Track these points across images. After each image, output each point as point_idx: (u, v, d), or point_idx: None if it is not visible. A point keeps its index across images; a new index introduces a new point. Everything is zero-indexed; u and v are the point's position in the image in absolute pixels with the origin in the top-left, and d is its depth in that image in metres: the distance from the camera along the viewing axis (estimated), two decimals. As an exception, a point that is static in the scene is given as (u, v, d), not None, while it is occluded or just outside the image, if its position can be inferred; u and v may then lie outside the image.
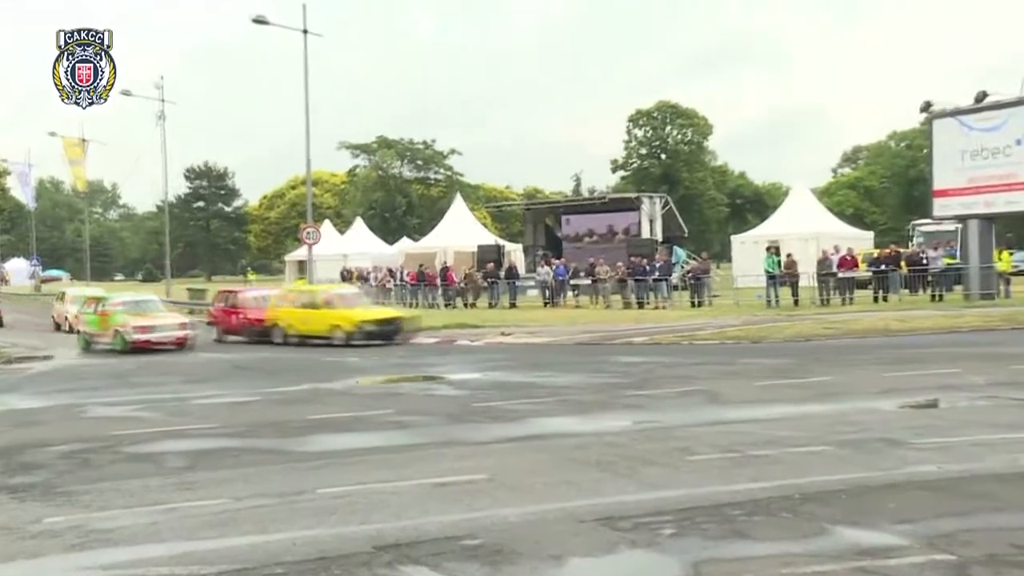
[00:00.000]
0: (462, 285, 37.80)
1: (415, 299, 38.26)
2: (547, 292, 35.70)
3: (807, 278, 31.27)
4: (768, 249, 32.42)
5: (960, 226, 31.13)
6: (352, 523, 7.08)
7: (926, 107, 30.85)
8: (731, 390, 13.70)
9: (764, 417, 11.29)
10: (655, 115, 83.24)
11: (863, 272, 31.67)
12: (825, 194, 71.77)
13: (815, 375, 14.76)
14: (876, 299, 29.95)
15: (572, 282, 35.82)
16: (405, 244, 55.57)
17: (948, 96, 29.98)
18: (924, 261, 31.30)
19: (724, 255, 45.88)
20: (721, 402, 12.73)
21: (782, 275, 30.61)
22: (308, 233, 33.61)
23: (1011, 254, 33.77)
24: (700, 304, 31.36)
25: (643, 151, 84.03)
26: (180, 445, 10.81)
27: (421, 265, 40.42)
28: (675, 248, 39.37)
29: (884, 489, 7.56)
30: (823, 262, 31.19)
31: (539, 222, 45.65)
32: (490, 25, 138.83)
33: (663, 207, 41.58)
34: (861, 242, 40.36)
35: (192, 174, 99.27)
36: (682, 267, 36.25)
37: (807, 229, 38.72)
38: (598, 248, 39.89)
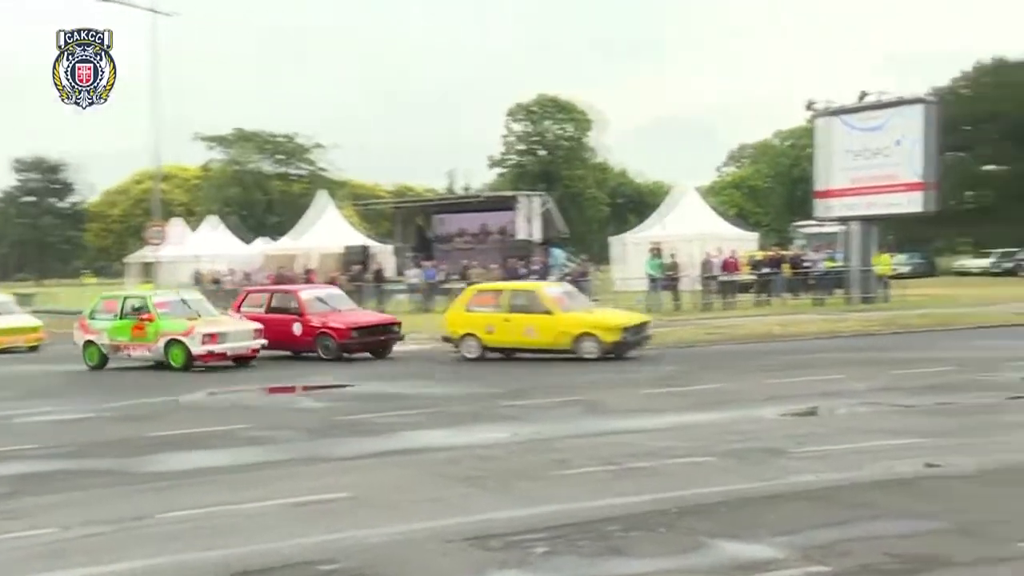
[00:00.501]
0: (326, 289, 37.24)
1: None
2: (418, 296, 35.57)
3: (690, 281, 32.01)
4: (651, 251, 33.09)
5: (842, 228, 32.35)
6: (196, 549, 6.88)
7: (810, 105, 32.03)
8: (612, 399, 13.90)
9: (645, 427, 11.49)
10: (534, 109, 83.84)
11: (746, 275, 32.64)
12: (710, 193, 73.68)
13: (698, 383, 15.10)
14: (758, 302, 30.90)
15: (445, 285, 35.78)
16: (265, 244, 54.53)
17: (835, 94, 31.22)
18: (806, 264, 32.48)
19: (605, 257, 46.54)
20: (601, 412, 12.90)
21: (665, 278, 31.26)
22: (154, 232, 32.63)
23: (891, 257, 35.37)
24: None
25: (521, 147, 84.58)
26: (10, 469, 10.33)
27: (281, 267, 39.73)
28: (554, 249, 39.74)
29: (764, 500, 7.78)
30: (706, 264, 32.02)
31: (410, 222, 45.47)
32: (365, 14, 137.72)
33: (542, 206, 41.94)
34: (746, 243, 41.50)
35: (21, 166, 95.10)
36: (561, 269, 36.63)
37: (691, 230, 39.57)
38: (472, 249, 39.97)
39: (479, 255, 37.91)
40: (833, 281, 31.85)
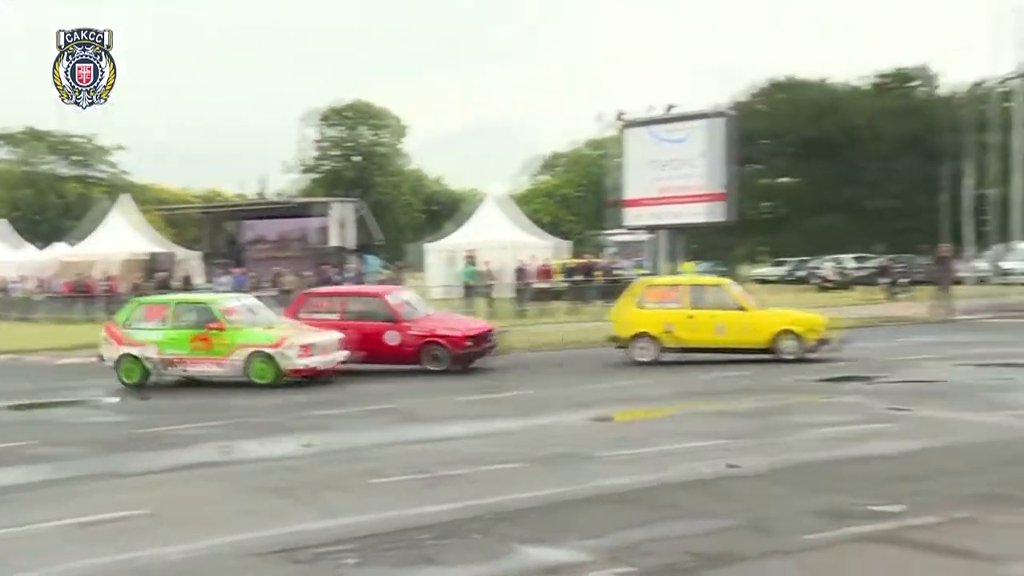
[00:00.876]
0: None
1: (71, 313, 35.77)
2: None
3: (504, 288, 32.40)
4: (466, 258, 33.29)
5: (650, 236, 33.42)
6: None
7: (619, 116, 32.95)
8: (426, 407, 13.90)
9: (460, 434, 11.54)
10: (347, 114, 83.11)
11: (558, 282, 33.31)
12: (523, 201, 74.78)
13: (513, 389, 15.27)
14: (571, 310, 31.55)
15: (255, 293, 34.94)
16: (60, 250, 51.86)
17: (644, 106, 32.11)
18: (617, 272, 33.40)
19: (420, 264, 46.55)
20: (415, 420, 12.88)
21: (479, 285, 31.52)
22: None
23: (694, 264, 36.82)
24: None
25: (334, 152, 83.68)
26: None
27: (79, 274, 37.91)
28: (368, 256, 39.49)
29: (575, 504, 7.94)
30: (520, 272, 32.49)
31: (218, 228, 44.26)
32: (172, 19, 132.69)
33: (356, 212, 41.58)
34: (559, 251, 42.37)
35: None
36: (375, 276, 36.43)
37: (505, 237, 40.08)
38: (283, 256, 39.24)
39: (291, 262, 37.25)
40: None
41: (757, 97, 67.40)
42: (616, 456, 9.85)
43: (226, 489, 8.89)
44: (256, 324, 17.43)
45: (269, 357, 16.50)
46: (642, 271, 33.70)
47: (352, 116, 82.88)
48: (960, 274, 30.75)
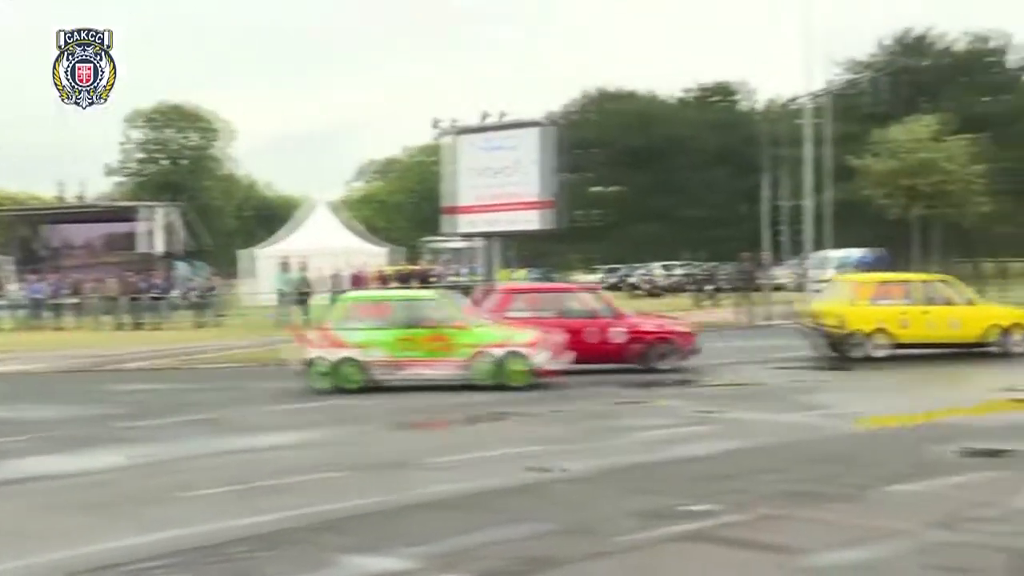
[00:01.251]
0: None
1: None
2: (22, 313, 32.78)
3: (321, 296, 31.93)
4: (281, 265, 32.68)
5: (471, 244, 33.67)
6: None
7: (436, 124, 33.08)
8: (240, 417, 13.58)
9: (277, 444, 11.31)
10: (156, 116, 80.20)
11: (377, 290, 33.15)
12: (356, 207, 74.11)
13: (330, 398, 15.06)
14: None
15: (55, 301, 33.24)
16: None
17: (465, 113, 32.49)
18: (433, 279, 33.54)
19: (235, 271, 45.42)
20: (229, 430, 12.55)
21: (297, 293, 30.98)
22: None
23: (511, 272, 37.32)
24: (205, 325, 30.79)
25: (160, 156, 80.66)
26: None
27: None
28: (180, 263, 38.26)
29: (399, 512, 7.91)
30: (336, 279, 32.17)
31: (15, 233, 41.97)
32: None
33: (168, 217, 40.24)
34: (376, 258, 42.16)
35: None
36: (185, 284, 35.30)
37: (327, 244, 39.58)
38: (88, 262, 37.57)
39: (96, 268, 35.67)
40: (461, 295, 33.07)
41: (586, 107, 69.00)
42: (443, 463, 9.87)
43: (28, 507, 8.45)
44: (485, 322, 16.37)
45: (522, 357, 15.51)
46: (476, 278, 33.92)
47: (177, 118, 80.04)
48: (770, 280, 32.25)
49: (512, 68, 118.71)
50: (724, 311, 29.22)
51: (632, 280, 46.62)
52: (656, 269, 49.75)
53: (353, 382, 15.50)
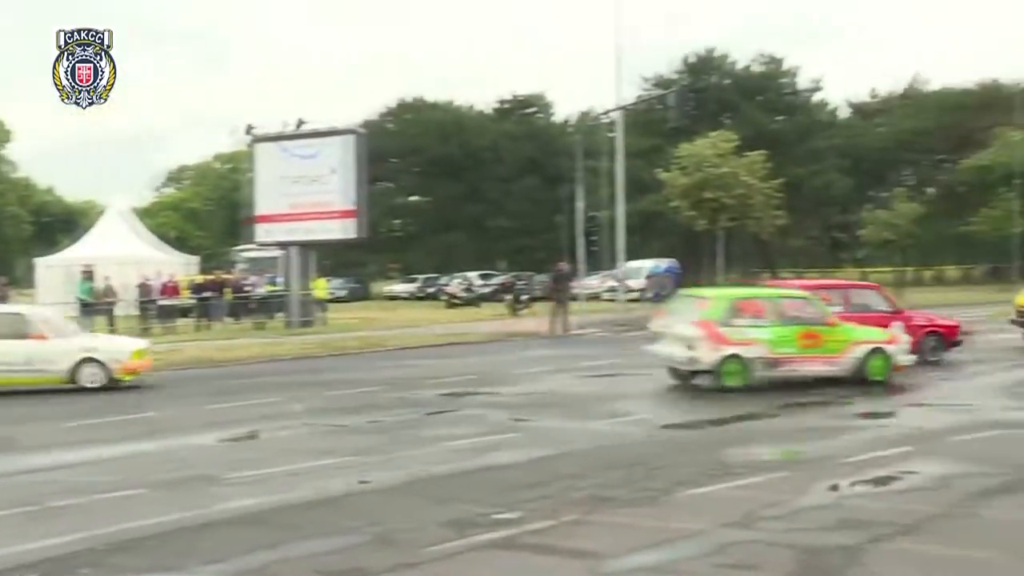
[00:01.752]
0: None
1: None
2: None
3: (126, 306, 30.70)
4: (83, 274, 31.19)
5: (283, 252, 33.05)
6: None
7: (248, 130, 32.34)
8: (31, 434, 12.86)
9: (73, 461, 10.77)
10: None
11: (186, 299, 32.08)
12: (147, 215, 71.38)
13: (135, 411, 14.48)
14: (199, 327, 30.49)
15: None
16: None
17: (275, 120, 31.86)
18: (247, 288, 32.71)
19: (28, 280, 43.04)
20: (18, 449, 11.86)
21: (98, 303, 29.64)
22: None
23: (328, 281, 36.84)
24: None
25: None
26: None
27: None
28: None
29: (198, 529, 7.67)
30: (144, 288, 30.97)
31: None
32: None
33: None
34: (187, 267, 40.83)
35: None
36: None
37: (126, 252, 38.01)
38: None
39: None
40: (274, 305, 32.43)
41: (395, 116, 68.81)
42: (243, 477, 9.63)
43: None
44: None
45: (884, 353, 15.86)
46: (274, 288, 33.25)
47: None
48: (575, 291, 32.96)
49: (321, 76, 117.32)
50: (539, 320, 29.68)
51: (449, 289, 46.81)
52: (474, 278, 50.11)
53: (741, 379, 15.32)
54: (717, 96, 65.90)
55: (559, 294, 29.35)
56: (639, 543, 7.19)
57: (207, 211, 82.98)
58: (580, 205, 36.63)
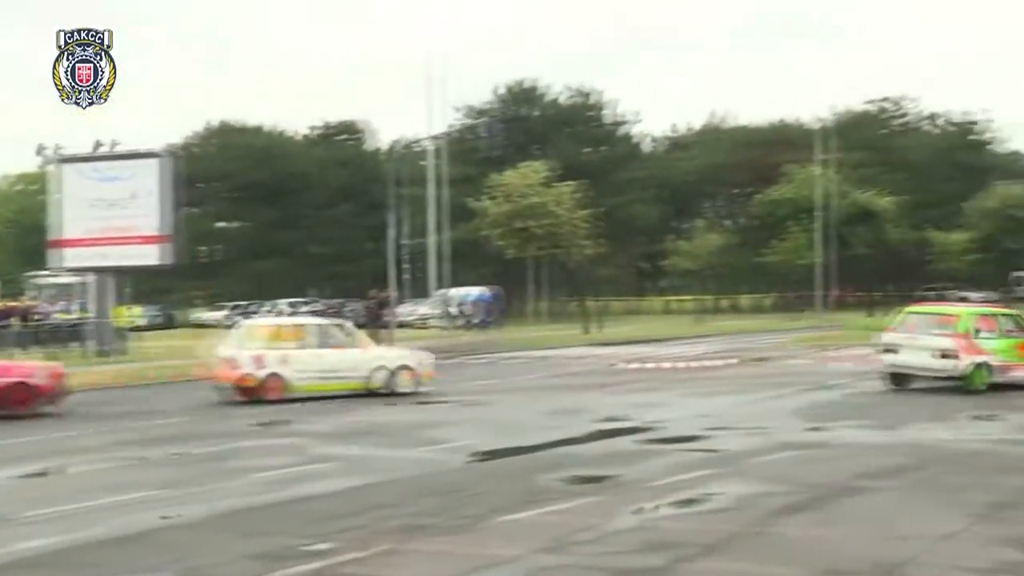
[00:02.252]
0: None
1: None
2: None
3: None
4: None
5: (79, 279, 31.61)
6: None
7: (40, 151, 30.87)
8: None
9: None
10: None
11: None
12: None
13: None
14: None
15: None
16: None
17: (93, 142, 30.43)
18: (38, 316, 31.09)
19: None
20: None
21: None
22: None
23: (127, 308, 35.39)
24: None
25: None
26: None
27: None
28: None
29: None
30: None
31: None
32: None
33: None
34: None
35: None
36: None
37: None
38: None
39: None
40: (68, 334, 30.88)
41: (200, 140, 67.07)
42: (38, 515, 9.08)
43: None
44: None
45: None
46: (68, 316, 31.73)
47: None
48: (397, 317, 32.81)
49: (136, 98, 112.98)
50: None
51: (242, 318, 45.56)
52: (282, 306, 49.05)
53: (981, 384, 18.15)
54: (531, 126, 67.27)
55: (374, 321, 29.20)
56: (453, 570, 7.18)
57: (10, 233, 78.22)
58: (392, 232, 36.56)
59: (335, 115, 72.71)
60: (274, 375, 18.13)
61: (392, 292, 32.01)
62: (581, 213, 41.85)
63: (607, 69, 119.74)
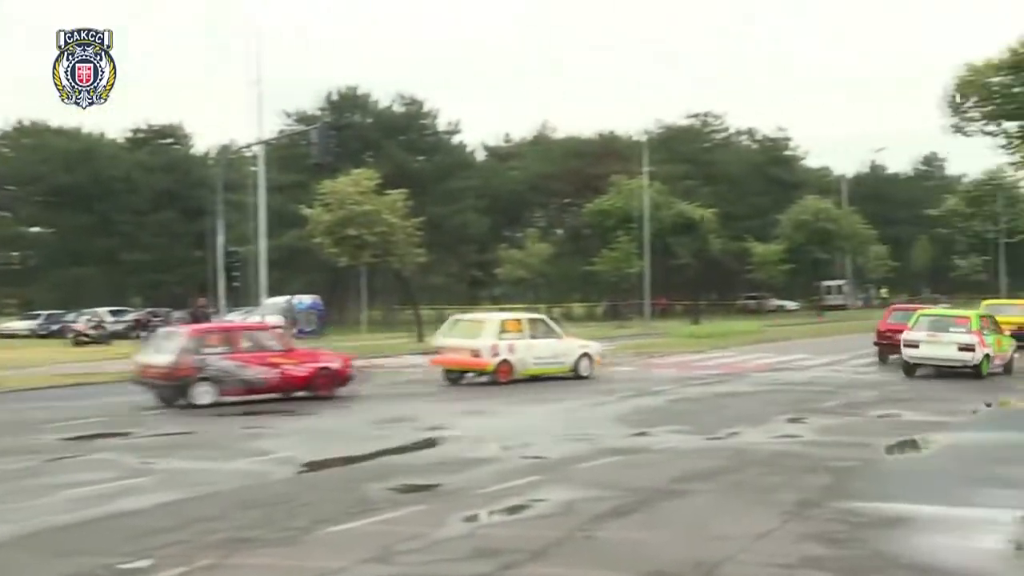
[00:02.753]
0: None
1: None
2: None
3: None
4: None
5: None
6: None
7: None
8: None
9: None
10: None
11: None
12: None
13: None
14: None
15: None
16: None
17: None
18: None
19: None
20: None
21: None
22: None
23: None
24: None
25: None
26: None
27: None
28: None
29: None
30: None
31: None
32: None
33: None
34: None
35: None
36: None
37: None
38: None
39: None
40: None
41: (9, 141, 63.81)
42: None
43: None
44: None
45: None
46: None
47: None
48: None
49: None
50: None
51: (77, 326, 43.58)
52: (104, 314, 46.88)
53: (987, 370, 22.44)
54: (360, 134, 66.76)
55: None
56: (277, 584, 7.07)
57: None
58: (221, 239, 35.60)
59: (156, 118, 70.29)
60: (505, 362, 21.63)
61: (202, 300, 31.09)
62: (414, 221, 41.77)
63: (439, 77, 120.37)
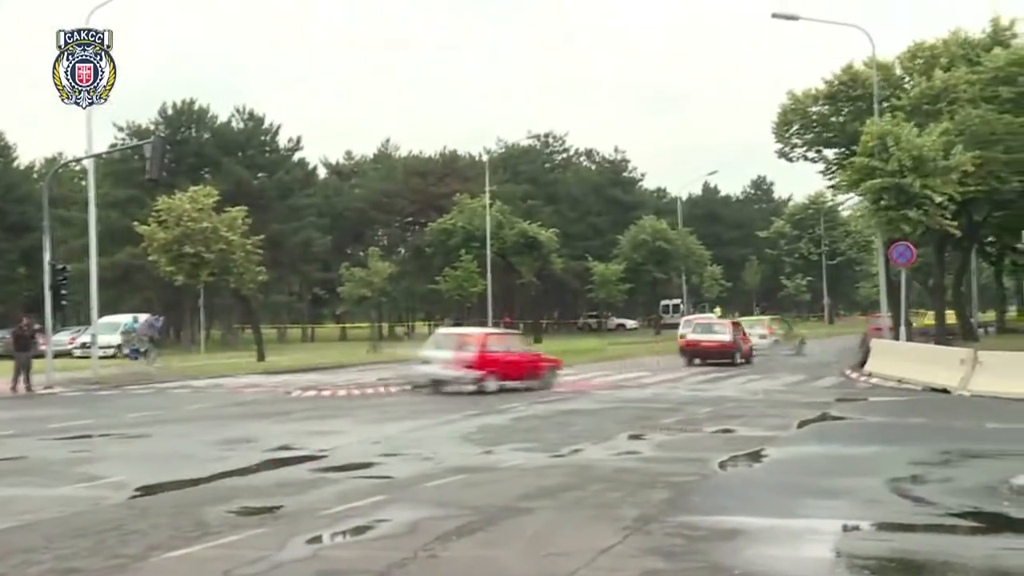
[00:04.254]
0: None
1: None
2: None
3: None
4: None
5: None
6: None
7: None
8: None
9: None
10: None
11: None
12: None
13: None
14: None
15: None
16: None
17: None
18: None
19: None
20: None
21: None
22: None
23: None
24: None
25: None
26: None
27: None
28: None
29: None
30: None
31: None
32: None
33: None
34: None
35: None
36: None
37: None
38: None
39: None
40: None
41: None
42: None
43: None
44: None
45: None
46: None
47: None
48: (42, 347, 30.49)
49: None
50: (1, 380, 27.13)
51: None
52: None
53: None
54: (198, 149, 65.04)
55: (24, 351, 27.19)
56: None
57: None
58: (47, 257, 34.07)
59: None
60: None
61: (26, 320, 29.69)
62: (254, 239, 40.93)
63: (275, 89, 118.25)
